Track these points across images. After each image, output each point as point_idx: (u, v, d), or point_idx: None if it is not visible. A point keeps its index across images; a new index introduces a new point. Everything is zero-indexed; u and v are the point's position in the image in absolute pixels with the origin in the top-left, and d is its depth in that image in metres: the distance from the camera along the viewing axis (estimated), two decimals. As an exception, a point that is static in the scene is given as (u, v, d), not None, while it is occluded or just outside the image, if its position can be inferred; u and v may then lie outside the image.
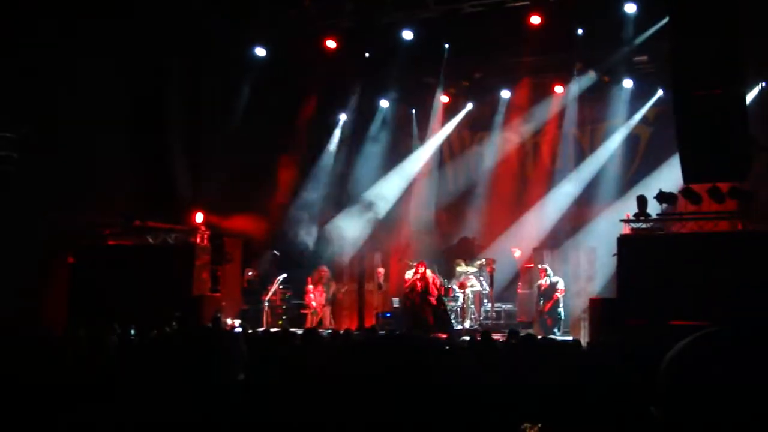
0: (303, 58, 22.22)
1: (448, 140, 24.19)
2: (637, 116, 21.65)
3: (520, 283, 21.26)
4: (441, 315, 19.25)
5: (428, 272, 19.66)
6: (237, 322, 19.25)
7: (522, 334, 11.99)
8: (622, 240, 16.35)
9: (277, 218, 23.17)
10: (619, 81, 21.19)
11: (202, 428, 2.24)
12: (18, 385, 2.20)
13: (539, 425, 4.32)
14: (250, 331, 16.25)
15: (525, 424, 4.32)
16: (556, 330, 18.50)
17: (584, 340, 14.26)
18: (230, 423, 2.27)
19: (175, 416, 2.26)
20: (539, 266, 19.69)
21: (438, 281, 19.79)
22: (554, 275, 19.16)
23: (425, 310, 19.29)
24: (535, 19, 19.34)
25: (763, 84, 18.52)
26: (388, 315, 20.74)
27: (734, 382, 1.68)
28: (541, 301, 19.09)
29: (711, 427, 1.67)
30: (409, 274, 20.01)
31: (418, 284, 19.45)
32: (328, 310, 21.14)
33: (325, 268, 21.35)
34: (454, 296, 20.82)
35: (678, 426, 1.72)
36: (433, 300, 19.39)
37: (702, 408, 1.69)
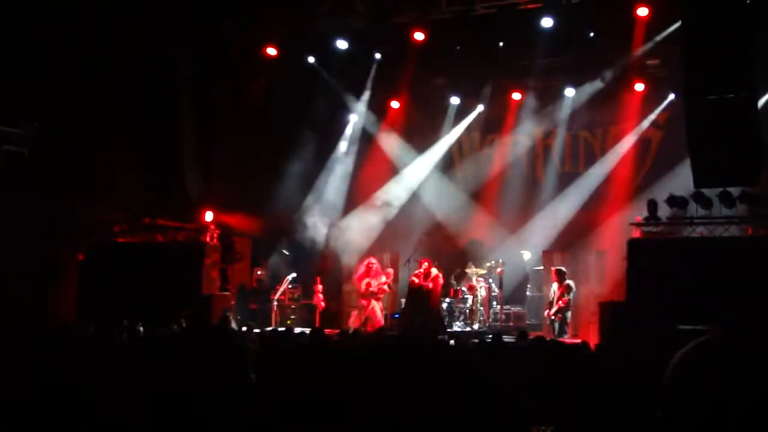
0: (314, 58, 22.34)
1: (459, 142, 24.17)
2: (649, 120, 21.59)
3: (529, 286, 21.24)
4: (435, 323, 19.29)
5: (434, 270, 19.78)
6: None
7: (531, 337, 11.98)
8: (633, 244, 16.32)
9: (287, 218, 23.20)
10: (630, 84, 21.13)
11: (211, 426, 2.25)
12: (28, 380, 2.20)
13: (552, 428, 4.32)
14: (256, 330, 16.24)
15: (539, 427, 4.33)
16: (565, 333, 18.44)
17: (593, 343, 14.20)
18: (239, 421, 2.28)
19: (185, 412, 2.27)
20: (552, 269, 19.60)
21: (441, 282, 19.86)
22: (566, 279, 19.02)
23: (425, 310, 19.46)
24: (548, 22, 19.31)
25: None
26: (397, 316, 20.73)
27: (736, 386, 1.69)
28: (552, 304, 19.00)
29: (714, 430, 1.68)
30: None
31: (426, 286, 19.56)
32: (378, 305, 20.77)
33: (373, 259, 21.14)
34: (463, 298, 20.80)
35: (681, 429, 1.73)
36: (433, 303, 19.53)
37: (705, 411, 1.70)
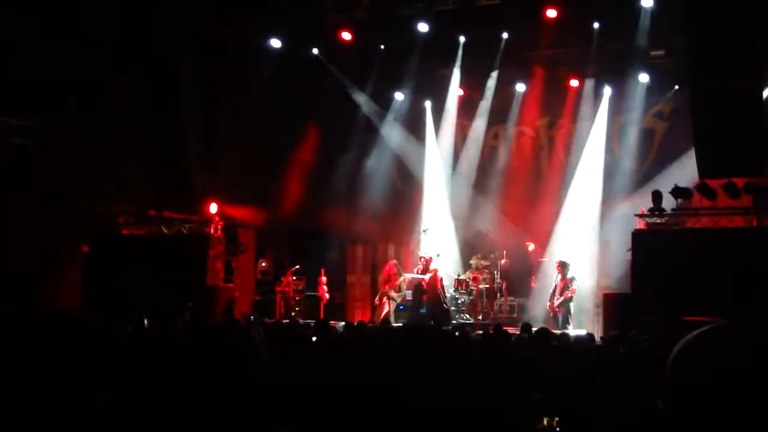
0: (319, 50, 22.32)
1: (463, 133, 24.13)
2: (653, 111, 21.56)
3: (533, 277, 21.22)
4: (439, 315, 19.26)
5: (433, 266, 19.75)
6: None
7: (535, 329, 12.00)
8: (637, 235, 16.31)
9: (292, 209, 23.21)
10: (635, 75, 21.07)
11: (217, 419, 2.25)
12: (33, 375, 2.20)
13: (557, 419, 4.32)
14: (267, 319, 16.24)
15: (544, 419, 4.33)
16: (568, 324, 18.44)
17: (598, 335, 14.23)
18: (247, 415, 2.27)
19: (190, 406, 2.26)
20: (556, 261, 19.57)
21: (439, 277, 19.82)
22: (570, 271, 19.01)
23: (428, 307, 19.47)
24: (552, 12, 19.27)
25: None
26: (402, 308, 20.76)
27: (739, 377, 1.68)
28: (555, 296, 18.99)
29: (716, 421, 1.68)
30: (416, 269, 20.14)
31: (423, 281, 19.56)
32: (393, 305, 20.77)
33: (393, 262, 21.16)
34: (468, 290, 20.80)
35: (683, 420, 1.73)
36: (433, 296, 19.50)
37: (707, 402, 1.70)
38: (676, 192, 16.32)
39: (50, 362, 2.23)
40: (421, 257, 20.00)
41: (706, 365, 1.74)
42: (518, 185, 22.93)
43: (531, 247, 21.44)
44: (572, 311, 18.77)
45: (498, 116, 23.51)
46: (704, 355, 1.77)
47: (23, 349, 2.21)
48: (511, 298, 21.24)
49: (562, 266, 18.93)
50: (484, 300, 20.91)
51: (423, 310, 19.71)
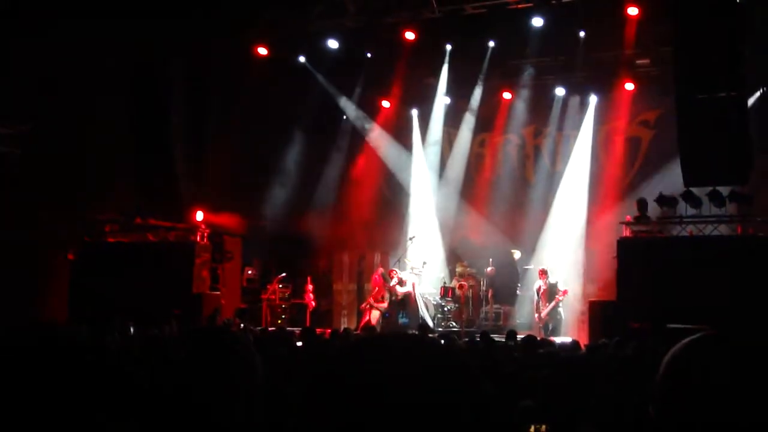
0: (305, 58, 22.33)
1: (449, 141, 24.16)
2: (639, 119, 21.63)
3: (519, 285, 21.25)
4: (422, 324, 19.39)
5: (403, 276, 19.89)
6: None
7: (521, 336, 12.01)
8: (622, 242, 16.36)
9: (278, 217, 23.17)
10: (621, 84, 21.15)
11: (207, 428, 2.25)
12: (22, 387, 2.19)
13: (546, 426, 4.33)
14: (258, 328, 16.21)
15: (532, 426, 4.34)
16: (555, 332, 18.46)
17: (583, 342, 14.25)
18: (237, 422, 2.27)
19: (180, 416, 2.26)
20: (539, 268, 19.65)
21: (407, 284, 19.99)
22: (552, 277, 19.10)
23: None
24: (538, 21, 19.35)
25: (765, 88, 18.47)
26: (387, 315, 20.74)
27: (730, 386, 1.70)
28: (540, 303, 19.04)
29: (706, 430, 1.69)
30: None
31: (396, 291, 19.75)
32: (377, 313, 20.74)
33: (380, 270, 21.13)
34: (454, 297, 20.81)
35: (674, 428, 1.74)
36: (415, 310, 19.70)
37: (697, 410, 1.71)
38: (661, 200, 16.38)
39: (37, 379, 2.22)
40: (391, 270, 20.12)
41: (697, 373, 1.76)
42: (504, 193, 22.96)
43: (517, 254, 21.47)
44: (561, 317, 18.79)
45: (484, 124, 23.54)
46: (696, 363, 1.78)
47: (6, 366, 2.19)
48: (497, 306, 21.24)
49: (544, 273, 19.01)
50: (470, 307, 20.91)
51: (404, 321, 19.77)
